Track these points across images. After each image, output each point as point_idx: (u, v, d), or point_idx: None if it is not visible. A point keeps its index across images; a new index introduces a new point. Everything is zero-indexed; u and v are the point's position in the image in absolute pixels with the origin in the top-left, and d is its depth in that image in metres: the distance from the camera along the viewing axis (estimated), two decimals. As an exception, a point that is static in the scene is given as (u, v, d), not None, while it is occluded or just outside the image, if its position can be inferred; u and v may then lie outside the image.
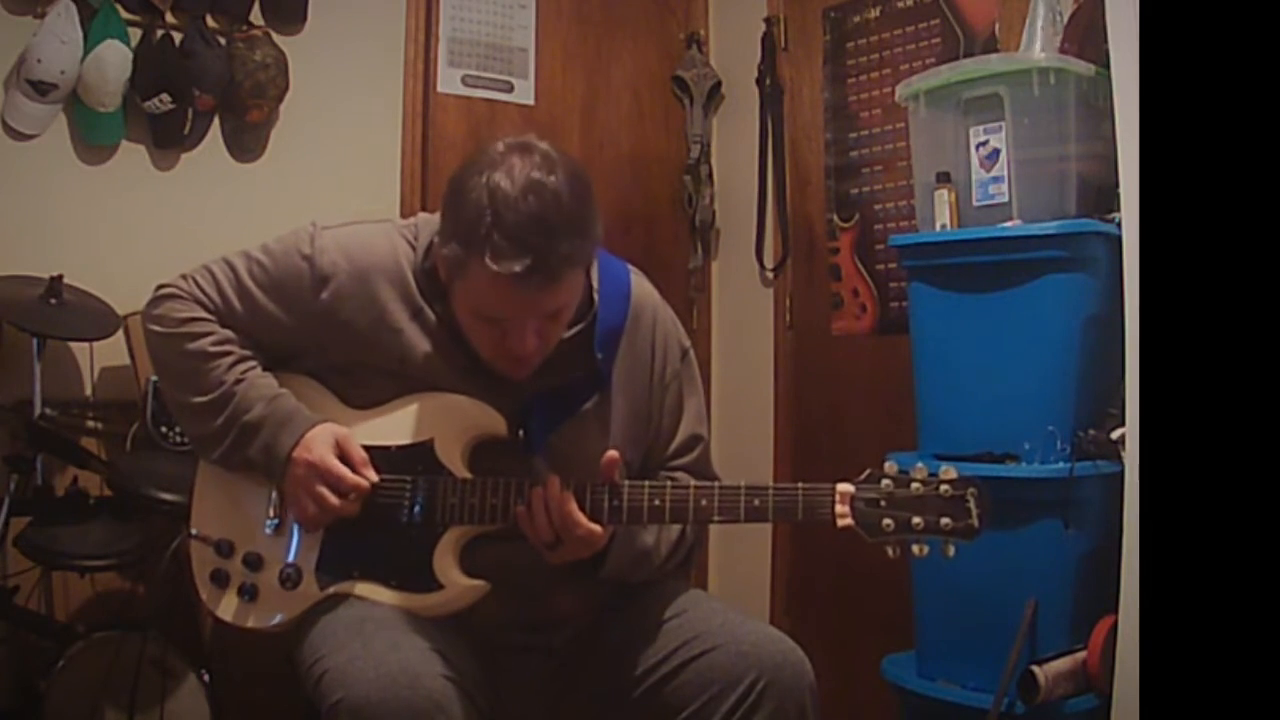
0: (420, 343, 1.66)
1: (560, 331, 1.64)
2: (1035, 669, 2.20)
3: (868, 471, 1.61)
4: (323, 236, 1.70)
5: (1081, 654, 2.25)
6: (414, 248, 1.70)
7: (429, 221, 1.71)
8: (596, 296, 1.72)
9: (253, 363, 1.70)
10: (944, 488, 1.58)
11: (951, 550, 1.58)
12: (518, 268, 1.48)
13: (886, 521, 1.58)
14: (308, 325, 1.68)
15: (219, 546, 1.69)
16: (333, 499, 1.61)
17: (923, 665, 2.51)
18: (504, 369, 1.64)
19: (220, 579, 1.69)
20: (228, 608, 1.69)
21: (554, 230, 1.50)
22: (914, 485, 1.59)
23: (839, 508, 1.58)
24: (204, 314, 1.69)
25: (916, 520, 1.57)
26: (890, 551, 1.59)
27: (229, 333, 1.69)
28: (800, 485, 1.60)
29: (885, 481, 1.59)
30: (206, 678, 2.50)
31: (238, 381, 1.66)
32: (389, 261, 1.68)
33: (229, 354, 1.68)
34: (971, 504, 1.57)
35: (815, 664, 1.64)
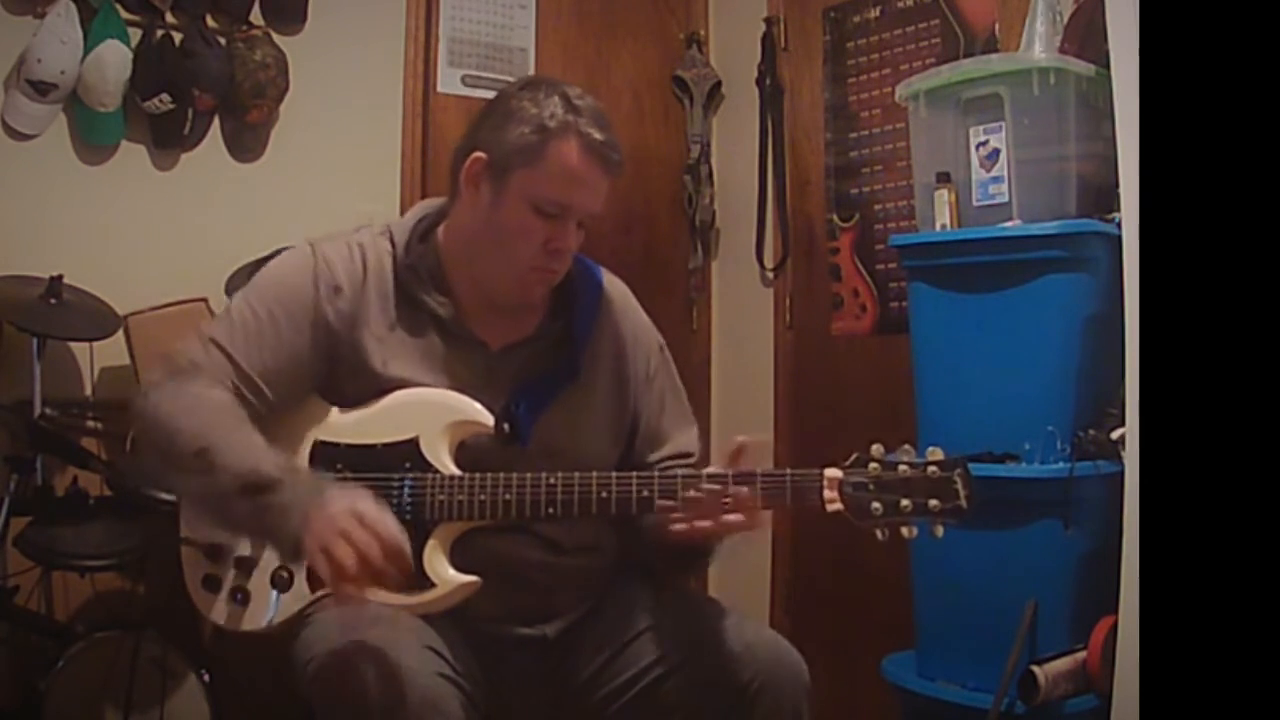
0: (403, 346, 1.67)
1: (575, 248, 1.69)
2: (1035, 669, 2.20)
3: (855, 455, 1.59)
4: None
5: (1081, 654, 2.25)
6: (395, 245, 1.71)
7: (403, 222, 1.74)
8: (575, 288, 1.75)
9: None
10: (931, 469, 1.57)
11: (940, 531, 1.57)
12: (600, 136, 1.62)
13: (875, 505, 1.56)
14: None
15: (210, 550, 1.68)
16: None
17: (923, 665, 2.51)
18: (533, 282, 1.67)
19: (212, 584, 1.68)
20: (220, 612, 1.68)
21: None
22: (901, 467, 1.57)
23: (828, 493, 1.57)
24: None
25: (905, 503, 1.56)
26: (879, 534, 1.57)
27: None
28: (788, 471, 1.58)
29: (872, 465, 1.58)
30: (206, 678, 2.50)
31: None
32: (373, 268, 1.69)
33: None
34: (959, 484, 1.56)
35: (815, 664, 1.64)
